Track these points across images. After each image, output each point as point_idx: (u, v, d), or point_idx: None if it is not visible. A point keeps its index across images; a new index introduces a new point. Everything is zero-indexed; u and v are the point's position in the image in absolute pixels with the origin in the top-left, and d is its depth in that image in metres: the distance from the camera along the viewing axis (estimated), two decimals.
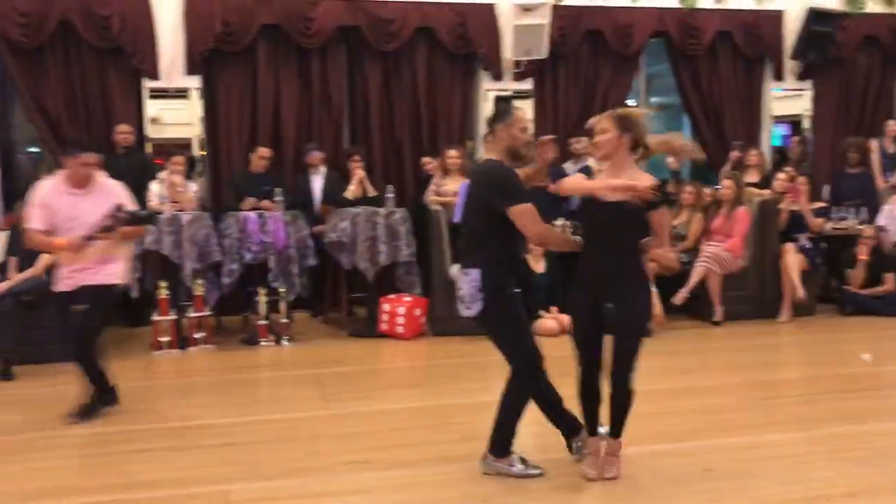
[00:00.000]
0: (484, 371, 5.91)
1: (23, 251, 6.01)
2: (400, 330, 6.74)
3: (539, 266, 6.94)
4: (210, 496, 3.63)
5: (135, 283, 6.54)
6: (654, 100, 11.08)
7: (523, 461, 3.84)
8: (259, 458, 4.11)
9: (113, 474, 3.94)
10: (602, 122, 3.65)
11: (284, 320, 6.67)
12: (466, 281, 3.66)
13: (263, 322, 6.59)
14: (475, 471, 3.87)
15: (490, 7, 8.19)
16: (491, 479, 3.81)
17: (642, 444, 4.11)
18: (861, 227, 7.76)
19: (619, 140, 3.60)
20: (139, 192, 6.98)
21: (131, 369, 5.91)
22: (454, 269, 6.69)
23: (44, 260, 5.92)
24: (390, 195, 6.96)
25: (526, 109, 8.41)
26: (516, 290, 3.76)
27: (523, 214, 3.62)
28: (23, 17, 7.18)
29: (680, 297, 7.13)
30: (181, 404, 5.27)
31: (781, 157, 9.05)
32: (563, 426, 3.97)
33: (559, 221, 7.34)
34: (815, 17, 8.57)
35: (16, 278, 5.88)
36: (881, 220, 8.06)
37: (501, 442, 3.82)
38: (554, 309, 6.87)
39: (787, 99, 9.22)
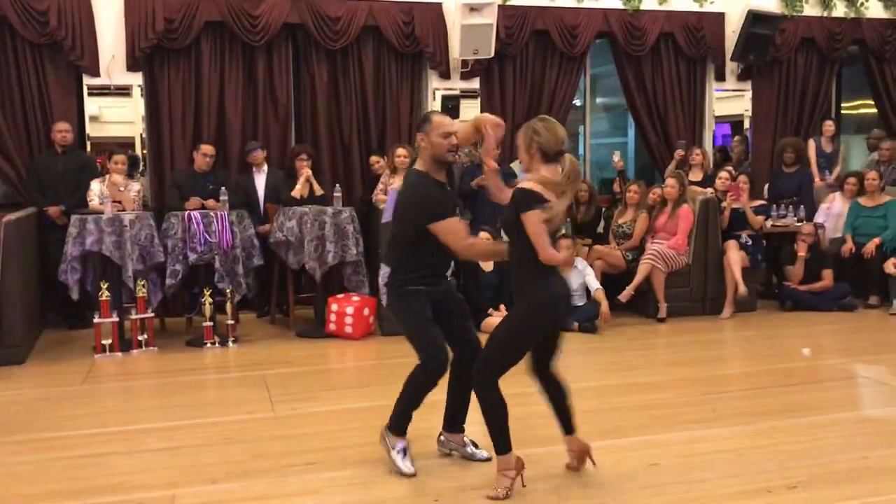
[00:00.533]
0: None
1: None
2: (348, 330, 6.69)
3: (488, 265, 6.97)
4: (155, 501, 3.56)
5: (75, 285, 6.38)
6: (599, 100, 11.24)
7: (405, 452, 3.87)
8: (204, 462, 4.04)
9: (54, 481, 3.83)
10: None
11: (230, 321, 6.57)
12: (381, 276, 3.81)
13: (209, 323, 6.48)
14: (427, 469, 3.87)
15: (437, 6, 8.19)
16: (442, 478, 3.81)
17: (588, 440, 4.14)
18: (799, 224, 7.97)
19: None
20: (79, 191, 6.87)
21: (73, 373, 5.77)
22: None
23: None
24: (338, 194, 6.91)
25: (474, 108, 8.47)
26: (421, 287, 3.82)
27: (444, 232, 3.65)
28: None
29: (625, 294, 7.23)
30: (124, 408, 5.16)
31: (723, 156, 9.24)
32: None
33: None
34: (755, 19, 8.76)
35: None
36: (819, 217, 8.30)
37: (395, 421, 3.92)
38: (502, 307, 6.90)
39: (729, 99, 9.41)
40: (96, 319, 6.23)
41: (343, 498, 3.61)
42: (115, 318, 6.27)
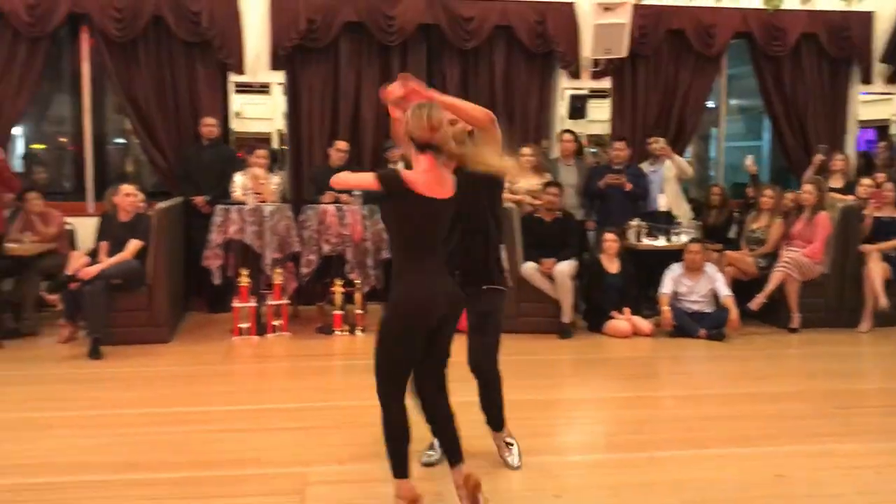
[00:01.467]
0: (553, 368, 5.96)
1: (113, 237, 6.29)
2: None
3: (612, 266, 6.91)
4: (289, 477, 3.76)
5: (217, 271, 6.78)
6: (734, 102, 10.88)
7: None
8: (332, 443, 4.23)
9: (195, 451, 4.11)
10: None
11: (359, 311, 6.80)
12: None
13: (339, 312, 6.73)
14: (548, 464, 3.92)
15: (569, 6, 8.18)
16: (563, 474, 3.84)
17: (712, 447, 4.08)
18: None
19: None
20: (223, 182, 7.27)
21: (213, 353, 6.15)
22: (526, 267, 6.73)
23: (132, 245, 6.19)
24: None
25: (603, 108, 8.41)
26: None
27: None
28: (118, 12, 7.49)
29: (757, 302, 7.00)
30: (258, 388, 5.45)
31: (866, 162, 8.78)
32: None
33: (634, 222, 7.32)
34: None
35: (106, 262, 6.15)
36: None
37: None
38: (626, 310, 6.83)
39: (874, 103, 8.94)
40: (235, 304, 6.59)
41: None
42: (253, 304, 6.62)
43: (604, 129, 8.46)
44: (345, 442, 4.24)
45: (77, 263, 6.27)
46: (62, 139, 8.91)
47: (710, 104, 9.21)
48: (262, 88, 7.94)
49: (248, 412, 4.78)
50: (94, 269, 6.01)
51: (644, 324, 6.82)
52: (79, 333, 6.18)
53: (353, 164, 7.81)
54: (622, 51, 7.97)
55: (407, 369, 3.32)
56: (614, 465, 3.97)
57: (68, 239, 7.24)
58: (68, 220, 7.30)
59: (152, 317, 6.34)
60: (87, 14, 7.53)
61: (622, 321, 6.76)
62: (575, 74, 8.28)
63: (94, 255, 6.33)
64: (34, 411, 4.73)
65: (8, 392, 5.12)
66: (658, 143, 7.69)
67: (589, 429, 4.68)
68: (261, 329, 6.65)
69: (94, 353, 5.89)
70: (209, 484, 3.71)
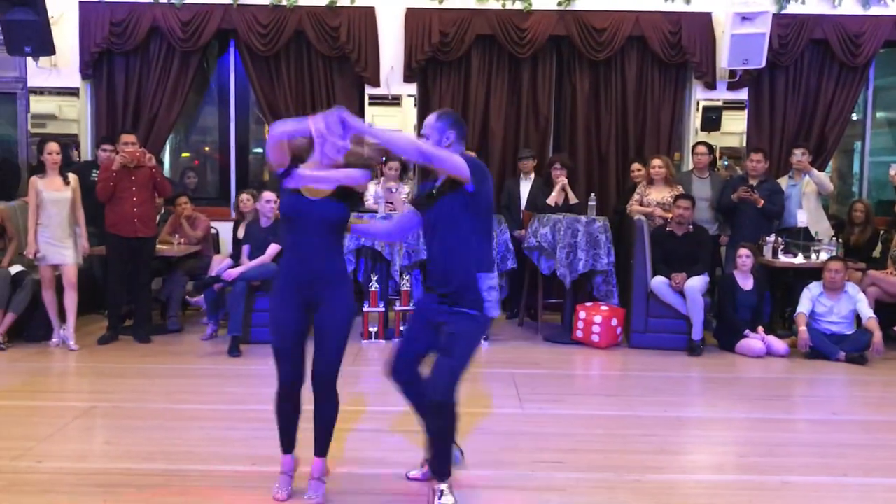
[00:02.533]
0: (683, 386, 5.82)
1: (254, 241, 6.62)
2: (595, 339, 6.74)
3: (746, 283, 6.69)
4: (416, 478, 3.85)
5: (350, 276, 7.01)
6: (881, 114, 10.31)
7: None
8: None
9: (330, 449, 4.25)
10: None
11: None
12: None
13: None
14: (675, 483, 3.85)
15: (706, 15, 8.01)
16: (690, 493, 3.76)
17: (853, 476, 3.89)
18: None
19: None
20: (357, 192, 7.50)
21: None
22: (655, 281, 6.62)
23: (272, 249, 6.49)
24: (592, 203, 6.99)
25: (739, 120, 8.18)
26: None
27: None
28: (263, 28, 7.90)
29: None
30: (385, 390, 5.55)
31: None
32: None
33: (770, 238, 7.07)
34: None
35: (247, 265, 6.47)
36: None
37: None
38: (760, 329, 6.60)
39: None
40: (365, 308, 6.79)
41: (589, 500, 3.68)
42: (382, 308, 6.80)
43: (738, 141, 8.22)
44: (470, 447, 4.28)
45: (220, 265, 6.65)
46: (206, 148, 9.45)
47: (854, 116, 8.78)
48: (394, 101, 8.16)
49: (376, 413, 4.91)
50: (235, 272, 6.35)
51: (779, 344, 6.56)
52: (220, 331, 6.55)
53: None
54: (760, 61, 7.73)
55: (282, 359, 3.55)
56: (744, 486, 3.85)
57: (212, 242, 7.68)
58: (213, 224, 7.74)
59: None
60: (234, 29, 7.98)
61: (756, 340, 6.53)
62: (710, 85, 8.09)
63: (236, 258, 6.68)
64: (179, 403, 5.04)
65: (155, 384, 5.47)
66: (796, 157, 7.40)
67: (718, 449, 4.55)
68: (389, 333, 6.82)
69: (234, 351, 6.21)
70: (342, 480, 3.84)
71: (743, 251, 6.69)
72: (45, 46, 7.65)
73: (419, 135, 3.67)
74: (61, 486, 3.70)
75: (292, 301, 3.46)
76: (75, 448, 4.27)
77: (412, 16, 7.96)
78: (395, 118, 8.16)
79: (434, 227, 3.51)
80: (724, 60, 7.87)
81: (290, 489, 3.62)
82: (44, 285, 6.43)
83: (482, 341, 3.64)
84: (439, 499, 3.45)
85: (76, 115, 8.14)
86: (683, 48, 7.99)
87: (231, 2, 7.93)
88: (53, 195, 6.35)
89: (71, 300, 6.41)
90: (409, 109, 8.16)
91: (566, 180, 7.27)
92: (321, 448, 3.63)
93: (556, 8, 7.97)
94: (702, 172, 7.53)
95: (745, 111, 8.21)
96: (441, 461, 3.50)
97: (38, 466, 3.93)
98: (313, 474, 3.63)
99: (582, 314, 6.83)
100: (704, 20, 8.01)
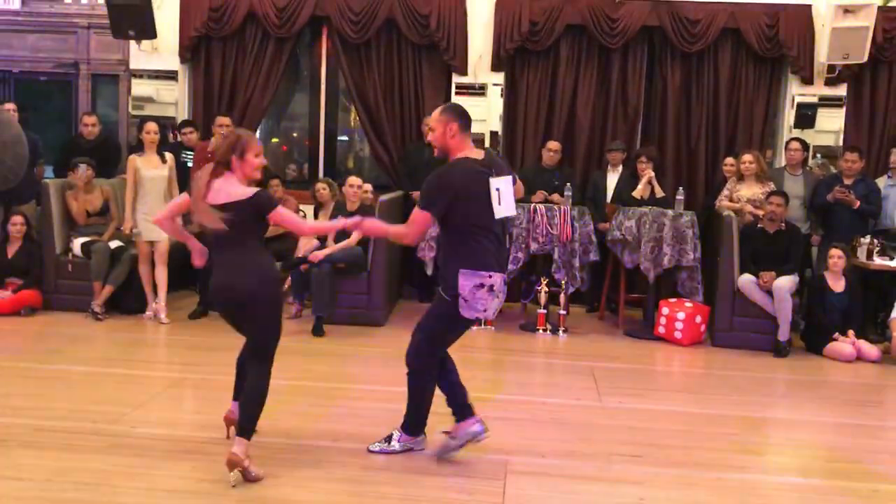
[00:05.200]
0: (766, 387, 5.69)
1: None
2: (678, 335, 6.63)
3: (838, 285, 6.47)
4: (491, 463, 3.89)
5: (430, 262, 7.09)
6: None
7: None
8: (533, 436, 4.31)
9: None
10: None
11: (562, 312, 6.85)
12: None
13: (542, 311, 6.81)
14: (758, 483, 3.78)
15: (806, 8, 7.74)
16: (772, 495, 3.69)
17: None
18: None
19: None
20: None
21: None
22: (743, 279, 6.47)
23: (357, 233, 6.61)
24: (680, 197, 6.87)
25: (835, 117, 7.90)
26: None
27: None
28: (355, 15, 8.02)
29: None
30: (462, 376, 5.61)
31: None
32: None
33: (865, 239, 6.82)
34: None
35: (333, 247, 6.61)
36: None
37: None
38: (850, 332, 6.39)
39: None
40: None
41: (667, 494, 3.64)
42: None
43: (833, 139, 7.94)
44: (546, 437, 4.31)
45: (307, 247, 6.81)
46: (294, 134, 9.66)
47: None
48: (479, 90, 8.17)
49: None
50: (321, 253, 6.49)
51: (870, 349, 6.33)
52: (304, 311, 6.71)
53: (566, 164, 7.87)
54: (862, 56, 7.44)
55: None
56: (830, 492, 3.75)
57: None
58: (302, 207, 7.91)
59: (371, 301, 6.75)
60: (327, 16, 8.12)
61: (845, 344, 6.32)
62: (807, 80, 7.83)
63: (322, 241, 6.83)
64: None
65: None
66: (894, 156, 7.11)
67: (803, 451, 4.43)
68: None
69: (318, 331, 6.35)
70: (418, 460, 3.92)
71: (835, 252, 6.47)
72: (147, 30, 7.95)
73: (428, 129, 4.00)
74: (153, 451, 3.88)
75: None
76: (166, 416, 4.46)
77: (502, 5, 7.94)
78: (481, 107, 8.16)
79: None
80: (822, 55, 7.60)
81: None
82: (140, 260, 6.70)
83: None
84: (387, 441, 3.98)
85: (174, 98, 8.42)
86: (780, 41, 7.75)
87: None
88: (151, 173, 6.61)
89: (162, 275, 6.66)
90: (494, 99, 8.16)
91: (653, 174, 7.16)
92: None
93: None
94: (795, 169, 7.30)
95: (843, 108, 7.91)
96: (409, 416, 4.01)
97: (132, 431, 4.12)
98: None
99: (665, 310, 6.73)
100: (804, 13, 7.74)
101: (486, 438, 3.93)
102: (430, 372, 3.91)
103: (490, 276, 3.66)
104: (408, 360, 3.91)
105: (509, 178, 3.82)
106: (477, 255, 3.68)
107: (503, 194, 3.72)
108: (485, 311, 3.71)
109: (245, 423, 3.60)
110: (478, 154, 3.80)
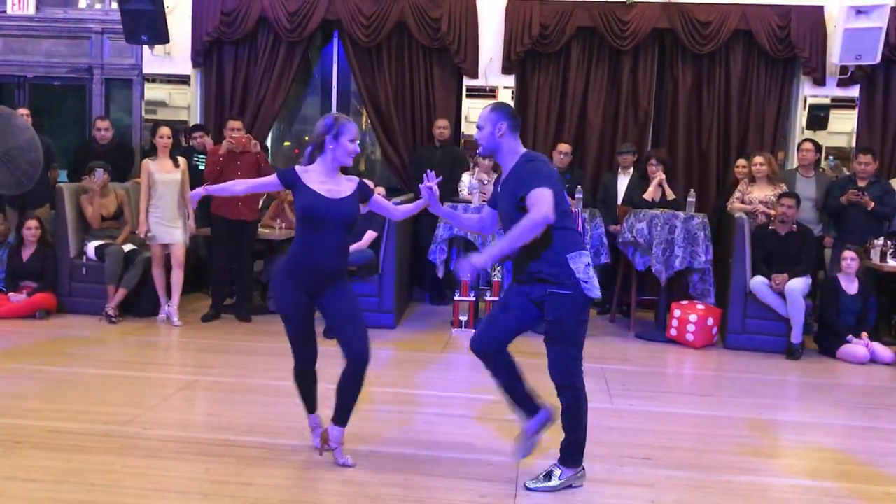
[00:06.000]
0: (778, 389, 5.67)
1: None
2: (689, 338, 6.61)
3: (851, 287, 6.44)
4: (504, 466, 3.89)
5: (441, 265, 7.10)
6: None
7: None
8: (545, 438, 4.27)
9: (414, 431, 4.36)
10: None
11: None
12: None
13: None
14: (769, 486, 3.77)
15: (818, 9, 7.72)
16: (784, 498, 3.68)
17: None
18: None
19: None
20: (451, 181, 7.59)
21: (433, 342, 6.46)
22: (755, 281, 6.45)
23: (368, 236, 6.63)
24: (691, 199, 6.86)
25: (848, 119, 7.86)
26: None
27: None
28: (366, 19, 8.05)
29: None
30: (474, 379, 5.62)
31: None
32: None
33: (879, 241, 6.79)
34: None
35: None
36: None
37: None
38: (864, 335, 6.35)
39: None
40: (456, 297, 6.86)
41: (678, 497, 3.63)
42: (472, 298, 6.86)
43: (846, 141, 7.91)
44: (558, 438, 4.28)
45: None
46: (306, 137, 9.69)
47: None
48: (490, 93, 8.18)
49: (466, 400, 4.97)
50: None
51: (884, 351, 6.30)
52: (317, 314, 6.71)
53: (576, 167, 7.87)
54: (875, 57, 7.41)
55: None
56: (842, 495, 3.73)
57: None
58: None
59: (382, 303, 6.77)
60: (338, 20, 8.16)
61: (859, 346, 6.29)
62: (819, 81, 7.80)
63: None
64: (277, 380, 5.20)
65: (253, 361, 5.68)
66: None
67: (815, 454, 4.40)
68: (478, 323, 6.86)
69: (329, 333, 6.34)
70: (427, 463, 3.92)
71: (848, 253, 6.44)
72: (160, 35, 8.01)
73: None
74: (165, 453, 3.90)
75: (300, 291, 3.72)
76: (179, 417, 4.49)
77: (513, 8, 7.96)
78: None
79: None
80: (835, 56, 7.57)
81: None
82: (153, 263, 6.75)
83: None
84: (548, 478, 3.68)
85: (186, 102, 8.49)
86: (792, 42, 7.73)
87: None
88: (164, 177, 6.65)
89: (177, 278, 6.71)
90: (505, 101, 8.15)
91: (663, 176, 7.15)
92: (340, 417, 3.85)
93: (659, 0, 7.83)
94: (807, 171, 7.27)
95: (856, 109, 7.88)
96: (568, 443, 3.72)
97: (145, 433, 4.15)
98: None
99: (677, 312, 6.71)
100: (816, 14, 7.72)
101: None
102: (581, 381, 3.66)
103: (586, 255, 3.56)
104: (556, 378, 3.66)
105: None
106: (572, 237, 3.56)
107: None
108: (597, 289, 3.56)
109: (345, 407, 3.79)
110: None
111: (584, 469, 3.72)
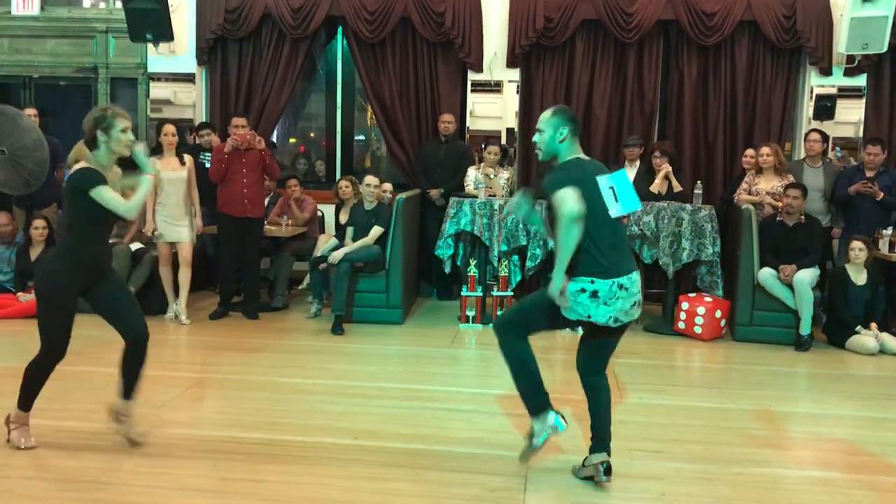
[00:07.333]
0: (789, 381, 5.66)
1: (357, 223, 6.77)
2: (697, 330, 6.59)
3: (860, 277, 6.41)
4: (513, 460, 3.87)
5: (448, 260, 7.09)
6: None
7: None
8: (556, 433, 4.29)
9: (425, 426, 4.36)
10: None
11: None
12: None
13: None
14: (779, 477, 3.76)
15: None
16: (794, 489, 3.67)
17: None
18: None
19: None
20: (457, 176, 7.59)
21: (441, 337, 6.46)
22: (763, 273, 6.43)
23: (375, 231, 6.63)
24: (698, 191, 6.83)
25: (855, 108, 7.82)
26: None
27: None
28: (370, 15, 8.04)
29: None
30: (483, 373, 5.65)
31: None
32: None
33: (887, 231, 6.76)
34: None
35: (351, 246, 6.63)
36: None
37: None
38: (873, 325, 6.33)
39: None
40: (463, 292, 6.85)
41: (688, 489, 3.63)
42: (480, 293, 6.85)
43: (852, 131, 7.86)
44: (568, 433, 4.26)
45: (325, 246, 6.84)
46: (311, 134, 9.70)
47: None
48: (495, 87, 8.16)
49: (472, 395, 4.97)
50: (339, 253, 6.51)
51: (893, 342, 6.27)
52: (324, 310, 6.75)
53: None
54: (882, 45, 7.36)
55: None
56: (853, 485, 3.72)
57: (318, 223, 7.89)
58: (321, 207, 7.96)
59: (389, 299, 6.77)
60: (342, 16, 8.15)
61: (868, 337, 6.27)
62: (826, 71, 7.76)
63: (340, 240, 6.86)
64: (284, 377, 5.23)
65: (261, 358, 5.69)
66: None
67: (825, 445, 4.39)
68: (486, 318, 6.86)
69: (337, 329, 6.38)
70: (437, 458, 3.92)
71: (856, 244, 6.42)
72: (164, 33, 8.01)
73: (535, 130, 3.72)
74: (176, 451, 3.91)
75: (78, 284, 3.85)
76: (188, 416, 4.50)
77: (517, 1, 7.93)
78: (496, 104, 8.17)
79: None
80: (841, 45, 7.53)
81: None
82: (161, 262, 6.76)
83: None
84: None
85: (191, 101, 8.49)
86: (798, 32, 7.69)
87: None
88: (170, 175, 6.66)
89: (185, 276, 6.72)
90: (510, 95, 8.15)
91: (670, 168, 7.12)
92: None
93: None
94: (814, 161, 7.23)
95: (863, 99, 7.84)
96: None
97: (155, 432, 4.16)
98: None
99: (685, 305, 6.70)
100: (821, 3, 7.68)
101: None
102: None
103: (592, 283, 3.49)
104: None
105: (623, 171, 3.74)
106: (583, 261, 3.49)
107: (618, 192, 3.56)
108: (588, 316, 3.53)
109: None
110: (585, 157, 3.68)
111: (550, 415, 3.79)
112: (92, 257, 3.86)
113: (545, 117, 3.61)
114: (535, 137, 3.67)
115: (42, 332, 3.84)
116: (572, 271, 3.49)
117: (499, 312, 6.85)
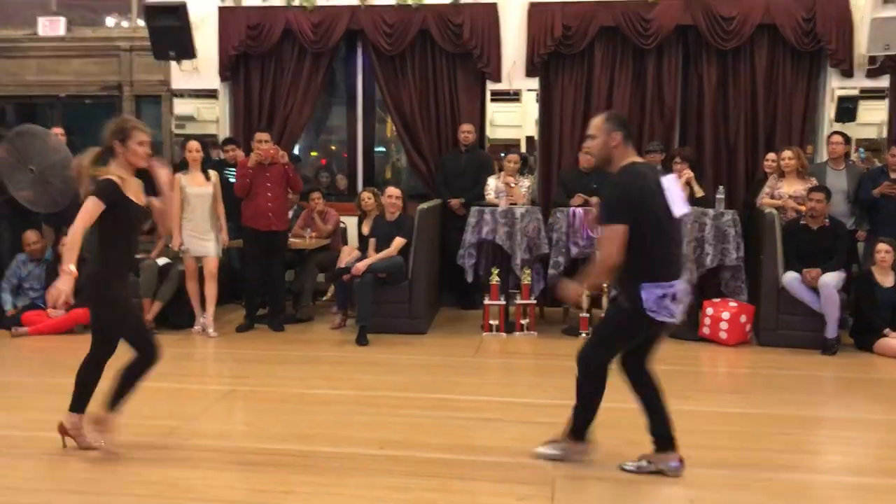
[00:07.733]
0: (815, 385, 5.62)
1: (380, 234, 6.81)
2: (723, 335, 6.56)
3: (886, 280, 6.35)
4: (540, 469, 3.89)
5: (470, 269, 7.12)
6: None
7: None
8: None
9: (450, 436, 4.37)
10: None
11: (604, 315, 6.81)
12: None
13: (585, 315, 6.79)
14: (811, 483, 3.75)
15: (843, 0, 7.64)
16: (826, 495, 3.65)
17: None
18: None
19: None
20: (477, 186, 7.62)
21: (465, 346, 6.47)
22: (787, 277, 6.39)
23: (397, 242, 6.67)
24: (720, 196, 6.81)
25: (878, 110, 7.77)
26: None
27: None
28: (389, 28, 8.11)
29: None
30: (508, 382, 5.66)
31: None
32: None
33: None
34: None
35: (374, 257, 6.68)
36: None
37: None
38: None
39: None
40: (486, 301, 6.87)
41: (718, 495, 3.62)
42: (502, 302, 6.86)
43: (875, 132, 7.81)
44: (594, 440, 4.29)
45: (349, 258, 6.89)
46: (333, 147, 9.78)
47: None
48: (514, 96, 8.19)
49: (498, 404, 4.98)
50: (363, 265, 6.56)
51: None
52: (348, 321, 6.80)
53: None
54: None
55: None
56: (885, 490, 3.69)
57: (341, 235, 7.95)
58: (344, 219, 8.01)
59: (412, 309, 6.80)
60: (361, 30, 8.23)
61: None
62: (847, 73, 7.72)
63: (363, 250, 6.91)
64: (310, 388, 5.28)
65: (288, 370, 5.74)
66: None
67: (856, 450, 4.37)
68: (509, 327, 6.88)
69: (362, 340, 6.42)
70: (464, 466, 3.93)
71: (882, 246, 6.37)
72: (187, 51, 8.13)
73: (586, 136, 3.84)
74: (206, 463, 3.96)
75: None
76: (217, 428, 4.56)
77: (535, 11, 7.96)
78: (515, 113, 8.20)
79: None
80: (862, 46, 7.49)
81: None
82: (187, 276, 6.84)
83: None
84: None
85: (214, 116, 8.59)
86: (818, 35, 7.65)
87: (359, 3, 8.17)
88: (196, 190, 6.74)
89: (211, 290, 6.79)
90: (529, 104, 8.17)
91: (691, 174, 7.09)
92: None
93: None
94: (837, 164, 7.19)
95: (886, 100, 7.78)
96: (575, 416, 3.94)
97: (185, 444, 4.21)
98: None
99: (709, 310, 6.67)
100: (841, 4, 7.64)
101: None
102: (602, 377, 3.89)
103: (672, 286, 3.56)
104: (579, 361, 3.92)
105: (672, 176, 3.82)
106: (659, 266, 3.57)
107: (672, 194, 3.62)
108: (671, 316, 3.60)
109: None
110: (640, 160, 3.75)
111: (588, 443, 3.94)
112: (126, 263, 4.07)
113: (597, 123, 3.67)
114: (587, 142, 3.74)
115: (121, 338, 4.06)
116: (647, 277, 3.55)
117: (524, 321, 6.87)
